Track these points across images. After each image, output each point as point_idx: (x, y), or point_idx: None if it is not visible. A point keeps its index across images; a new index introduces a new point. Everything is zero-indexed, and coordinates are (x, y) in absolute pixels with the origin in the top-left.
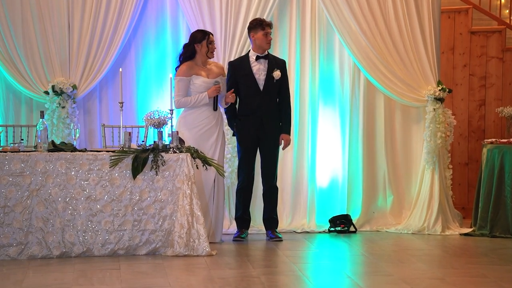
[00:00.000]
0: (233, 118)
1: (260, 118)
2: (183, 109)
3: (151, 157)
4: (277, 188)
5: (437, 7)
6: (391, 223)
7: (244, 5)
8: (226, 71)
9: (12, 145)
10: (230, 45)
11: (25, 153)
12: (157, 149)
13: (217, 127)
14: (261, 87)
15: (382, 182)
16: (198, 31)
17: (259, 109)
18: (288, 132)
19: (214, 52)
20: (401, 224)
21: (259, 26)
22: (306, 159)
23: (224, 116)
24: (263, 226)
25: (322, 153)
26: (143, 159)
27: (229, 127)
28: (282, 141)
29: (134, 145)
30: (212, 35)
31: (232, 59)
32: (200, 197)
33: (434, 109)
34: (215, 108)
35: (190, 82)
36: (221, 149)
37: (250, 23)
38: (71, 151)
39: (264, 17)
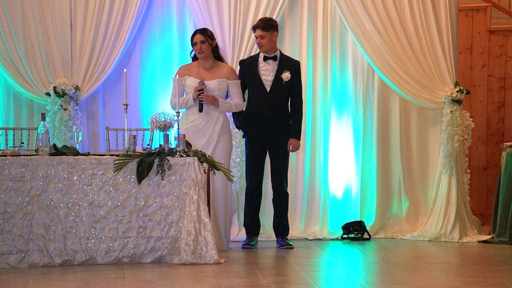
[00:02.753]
0: (237, 114)
1: (266, 120)
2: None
3: (156, 161)
4: (287, 194)
5: (454, 5)
6: (406, 230)
7: (254, 4)
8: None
9: (12, 148)
10: (239, 44)
11: (25, 157)
12: (163, 153)
13: (210, 129)
14: (268, 89)
15: (397, 187)
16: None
17: (265, 111)
18: (296, 137)
19: (222, 52)
20: (417, 231)
21: (252, 29)
22: (318, 164)
23: (231, 120)
24: (273, 233)
25: (335, 157)
26: (148, 163)
27: (236, 129)
28: (290, 145)
29: (139, 149)
30: (200, 34)
31: (241, 59)
32: (216, 203)
33: (451, 111)
34: (200, 109)
35: (183, 83)
36: (216, 153)
37: None
38: (74, 155)
39: (274, 16)
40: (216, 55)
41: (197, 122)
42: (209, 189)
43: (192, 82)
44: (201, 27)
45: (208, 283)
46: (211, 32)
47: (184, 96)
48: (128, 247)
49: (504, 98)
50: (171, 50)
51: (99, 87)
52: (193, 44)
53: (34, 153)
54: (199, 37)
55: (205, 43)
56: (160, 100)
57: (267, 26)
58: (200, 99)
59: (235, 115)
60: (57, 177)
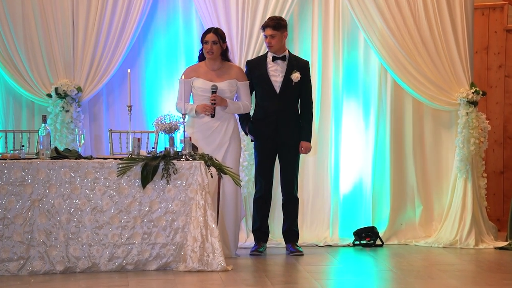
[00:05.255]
0: (245, 120)
1: (276, 123)
2: None
3: (161, 165)
4: (297, 199)
5: (470, 3)
6: (420, 236)
7: (262, 2)
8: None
9: (12, 152)
10: (247, 44)
11: (26, 160)
12: (168, 157)
13: (220, 133)
14: (278, 90)
15: (411, 192)
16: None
17: (274, 114)
18: (307, 139)
19: (231, 55)
20: (431, 237)
21: (261, 28)
22: (328, 167)
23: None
24: (283, 239)
25: (346, 161)
26: (153, 167)
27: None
28: (302, 148)
29: (143, 152)
30: (213, 33)
31: (248, 59)
32: (226, 209)
33: (467, 113)
34: (213, 115)
35: (191, 84)
36: (227, 156)
37: None
38: (76, 159)
39: (283, 15)
40: (225, 57)
41: (207, 126)
42: (219, 194)
43: (201, 84)
44: (209, 27)
45: None
46: (223, 32)
47: (191, 103)
48: (132, 254)
49: None
50: (176, 50)
51: (102, 88)
52: (204, 42)
53: (35, 157)
54: (211, 37)
55: (216, 44)
56: (165, 102)
57: (278, 26)
58: (211, 102)
59: (243, 122)
60: (58, 182)
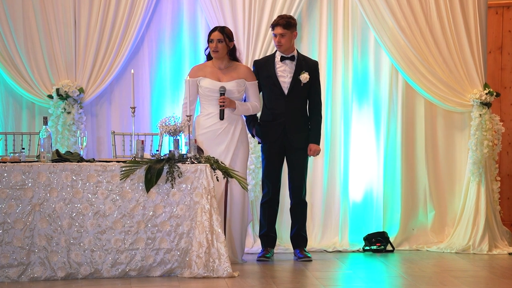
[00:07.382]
0: (252, 122)
1: (284, 125)
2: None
3: (166, 168)
4: (306, 203)
5: (483, 2)
6: (432, 241)
7: (269, 0)
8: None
9: (12, 154)
10: (254, 44)
11: (26, 163)
12: (173, 159)
13: (228, 135)
14: (286, 91)
15: (423, 196)
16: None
17: (282, 115)
18: (316, 142)
19: (239, 55)
20: (444, 243)
21: (271, 26)
22: (338, 171)
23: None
24: (291, 245)
25: (356, 164)
26: (157, 170)
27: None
28: (310, 150)
29: (147, 155)
30: (219, 32)
31: (255, 59)
32: (233, 213)
33: (480, 114)
34: (222, 117)
35: (197, 84)
36: (235, 160)
37: None
38: (78, 162)
39: (292, 13)
40: (232, 57)
41: (215, 128)
42: (226, 198)
43: (208, 84)
44: (214, 26)
45: None
46: (231, 31)
47: (198, 105)
48: (136, 259)
49: None
50: (181, 49)
51: (104, 89)
52: (209, 41)
53: (36, 160)
54: (216, 35)
55: (222, 43)
56: (170, 103)
57: (288, 24)
58: (220, 104)
59: (250, 124)
60: (60, 185)
